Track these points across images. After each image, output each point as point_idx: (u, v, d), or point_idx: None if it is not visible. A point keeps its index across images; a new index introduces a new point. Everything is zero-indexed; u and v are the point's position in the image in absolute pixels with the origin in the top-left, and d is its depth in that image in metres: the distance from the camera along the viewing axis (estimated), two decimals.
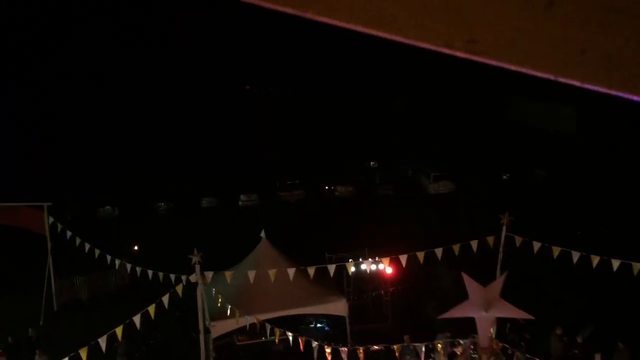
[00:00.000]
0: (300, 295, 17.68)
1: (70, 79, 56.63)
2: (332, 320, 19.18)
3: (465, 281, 9.87)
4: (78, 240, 22.57)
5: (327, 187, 43.62)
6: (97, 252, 22.27)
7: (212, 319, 17.09)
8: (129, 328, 15.06)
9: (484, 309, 9.40)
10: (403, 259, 17.20)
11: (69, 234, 22.96)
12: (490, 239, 17.62)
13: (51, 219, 24.01)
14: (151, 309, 14.94)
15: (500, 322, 16.34)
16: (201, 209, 41.09)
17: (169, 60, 60.22)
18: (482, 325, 9.91)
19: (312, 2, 0.94)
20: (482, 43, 0.88)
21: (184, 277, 17.39)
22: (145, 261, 22.58)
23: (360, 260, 19.04)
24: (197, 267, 15.55)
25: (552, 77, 0.89)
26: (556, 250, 17.11)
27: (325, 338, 19.26)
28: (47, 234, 24.08)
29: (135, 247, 29.04)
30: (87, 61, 57.39)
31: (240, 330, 17.71)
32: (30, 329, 19.57)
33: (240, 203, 41.66)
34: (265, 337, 17.03)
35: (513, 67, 0.90)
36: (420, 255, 17.31)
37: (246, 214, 37.92)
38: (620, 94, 0.88)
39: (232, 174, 44.14)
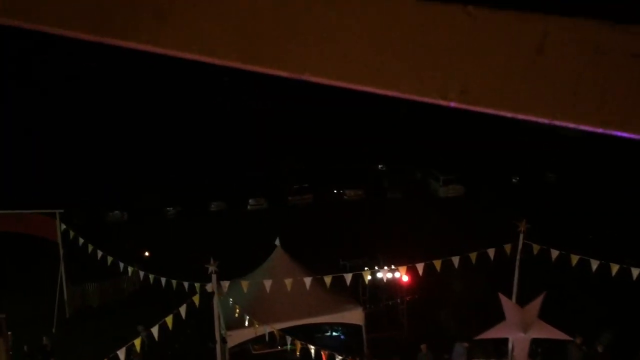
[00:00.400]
0: (316, 304, 17.57)
1: (78, 84, 56.66)
2: (348, 328, 19.05)
3: (502, 302, 9.72)
4: (90, 248, 22.57)
5: (335, 191, 43.53)
6: (109, 259, 22.22)
7: (228, 328, 17.00)
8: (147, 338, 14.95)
9: (522, 329, 9.24)
10: (420, 267, 17.04)
11: (81, 241, 22.94)
12: (508, 247, 17.44)
13: (63, 226, 23.99)
14: (169, 320, 14.84)
15: None
16: (210, 213, 41.06)
17: (178, 65, 60.15)
18: (519, 346, 9.75)
19: (308, 66, 0.96)
20: (475, 93, 0.90)
21: (197, 285, 17.33)
22: (156, 267, 22.55)
23: (376, 268, 18.91)
24: (214, 276, 15.45)
25: (547, 122, 0.90)
26: (574, 258, 16.95)
27: (340, 347, 19.17)
28: (59, 241, 24.05)
29: (146, 253, 28.96)
30: (97, 66, 57.43)
31: (256, 340, 17.60)
32: (44, 338, 19.49)
33: (249, 207, 41.60)
34: (282, 346, 16.95)
35: (509, 115, 0.92)
36: (437, 263, 17.16)
37: (256, 218, 37.82)
38: (614, 132, 0.88)
39: (241, 178, 44.10)
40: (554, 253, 17.22)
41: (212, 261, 15.31)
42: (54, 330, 22.52)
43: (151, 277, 19.90)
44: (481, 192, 39.09)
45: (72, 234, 23.54)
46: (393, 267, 18.65)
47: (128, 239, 31.99)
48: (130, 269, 21.87)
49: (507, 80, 0.89)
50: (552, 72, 0.87)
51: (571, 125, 0.89)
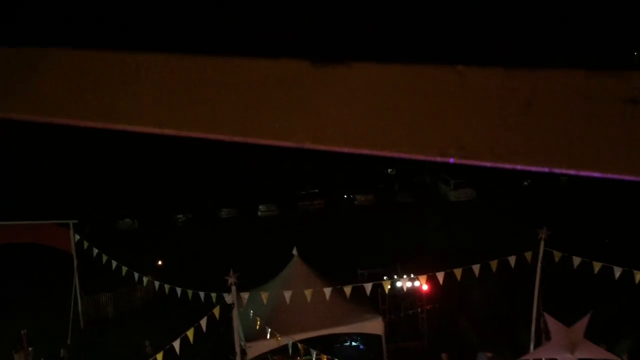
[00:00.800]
0: (336, 314, 17.42)
1: None
2: (367, 338, 18.88)
3: (548, 322, 9.54)
4: (105, 258, 22.49)
5: (345, 196, 43.31)
6: (124, 269, 22.14)
7: (247, 339, 16.86)
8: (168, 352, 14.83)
9: (569, 350, 9.04)
10: (440, 276, 16.88)
11: (95, 251, 22.85)
12: (528, 255, 17.24)
13: (77, 237, 23.89)
14: (190, 333, 14.71)
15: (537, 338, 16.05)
16: (221, 220, 40.92)
17: None
18: None
19: (308, 137, 0.99)
20: (473, 148, 0.93)
21: (213, 295, 17.20)
22: (171, 276, 22.45)
23: (395, 277, 18.74)
24: (234, 288, 15.33)
25: (546, 170, 0.93)
26: (597, 266, 16.74)
27: (360, 357, 19.03)
28: (73, 251, 23.94)
29: (160, 262, 28.84)
30: None
31: (275, 351, 17.45)
32: (62, 350, 19.40)
33: (259, 213, 41.44)
34: (301, 357, 16.79)
35: (507, 166, 0.94)
36: (458, 272, 16.99)
37: (267, 224, 37.67)
38: (612, 176, 0.90)
39: (251, 184, 43.95)
40: (576, 260, 17.03)
41: (231, 273, 15.19)
42: (68, 341, 22.40)
43: (166, 287, 19.80)
44: (493, 196, 38.79)
45: (85, 244, 23.45)
46: (413, 275, 18.46)
47: (141, 247, 31.84)
48: (145, 279, 21.77)
49: (501, 134, 0.92)
50: (545, 123, 0.90)
51: (571, 172, 0.91)
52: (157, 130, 1.08)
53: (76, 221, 24.11)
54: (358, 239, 30.09)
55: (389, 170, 49.52)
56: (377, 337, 18.06)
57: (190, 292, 18.54)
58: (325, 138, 0.99)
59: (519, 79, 0.91)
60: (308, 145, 1.01)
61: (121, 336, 22.73)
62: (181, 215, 41.17)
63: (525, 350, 15.95)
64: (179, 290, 19.13)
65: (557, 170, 0.92)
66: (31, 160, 46.10)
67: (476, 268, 17.22)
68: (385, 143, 0.96)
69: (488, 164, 0.95)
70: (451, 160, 0.95)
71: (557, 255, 17.11)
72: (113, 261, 22.25)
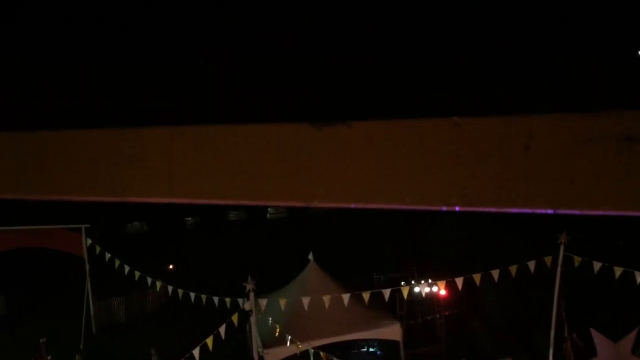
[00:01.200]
0: (354, 320, 17.24)
1: None
2: (384, 344, 18.70)
3: (594, 337, 9.32)
4: (117, 262, 22.36)
5: None
6: (137, 274, 22.03)
7: (265, 346, 16.68)
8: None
9: None
10: (459, 281, 16.67)
11: (107, 255, 22.72)
12: (548, 259, 17.04)
13: (89, 241, 23.76)
14: (209, 341, 14.55)
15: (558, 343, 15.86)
16: (229, 223, 40.84)
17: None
18: None
19: (316, 195, 1.02)
20: (475, 196, 0.94)
21: (227, 300, 17.04)
22: (183, 280, 22.31)
23: (413, 282, 18.57)
24: (252, 295, 15.16)
25: (550, 212, 0.93)
26: (618, 271, 16.53)
27: None
28: (85, 256, 23.81)
29: (171, 266, 28.73)
30: None
31: (293, 357, 17.30)
32: (77, 355, 19.25)
33: (268, 216, 41.32)
34: None
35: (512, 210, 0.94)
36: (477, 277, 16.79)
37: (277, 227, 37.51)
38: (617, 213, 0.91)
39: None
40: (597, 265, 16.80)
41: (249, 279, 15.02)
42: (81, 346, 22.27)
43: (180, 292, 19.64)
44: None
45: (98, 248, 23.31)
46: (431, 281, 18.28)
47: (151, 251, 31.73)
48: (158, 284, 21.63)
49: (502, 179, 0.93)
50: (545, 165, 0.92)
51: (576, 212, 0.91)
52: (166, 200, 1.11)
53: (88, 225, 23.98)
54: (371, 242, 29.91)
55: None
56: (395, 343, 17.86)
57: (204, 297, 18.38)
58: (333, 196, 1.01)
59: (515, 125, 0.92)
60: (316, 204, 1.03)
61: (132, 341, 22.59)
62: (190, 218, 41.08)
63: (544, 357, 15.75)
64: (192, 295, 18.97)
65: (561, 212, 0.92)
66: None
67: (495, 273, 17.01)
68: (390, 197, 0.98)
69: (493, 210, 0.95)
70: (457, 208, 0.97)
71: (577, 260, 16.91)
72: (126, 266, 22.11)
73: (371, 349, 19.08)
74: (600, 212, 0.91)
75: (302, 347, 15.62)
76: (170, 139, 1.08)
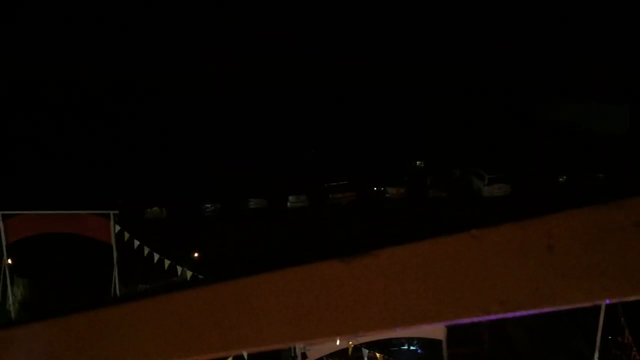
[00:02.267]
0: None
1: None
2: (424, 342, 18.27)
3: None
4: (147, 250, 22.02)
5: (375, 189, 42.47)
6: (167, 263, 21.69)
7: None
8: None
9: None
10: None
11: (136, 243, 22.34)
12: None
13: (117, 228, 23.27)
14: None
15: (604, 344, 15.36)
16: (249, 211, 40.32)
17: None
18: None
19: (351, 327, 1.02)
20: (513, 301, 0.94)
21: None
22: (208, 269, 21.89)
23: None
24: None
25: (588, 305, 0.94)
26: None
27: None
28: (113, 243, 23.34)
29: (196, 254, 28.34)
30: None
31: (334, 354, 16.97)
32: None
33: (289, 205, 40.76)
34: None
35: (550, 309, 0.94)
36: None
37: (299, 217, 37.02)
38: (631, 299, 0.92)
39: (280, 174, 43.23)
40: None
41: None
42: None
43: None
44: (529, 192, 37.85)
45: (126, 235, 22.85)
46: None
47: (174, 238, 31.33)
48: (188, 273, 21.26)
49: (533, 282, 0.93)
50: (569, 261, 0.92)
51: (598, 301, 0.93)
52: None
53: (117, 212, 23.48)
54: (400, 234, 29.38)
55: (418, 162, 48.55)
56: (437, 341, 17.42)
57: None
58: (372, 323, 1.00)
59: (534, 228, 0.93)
60: (361, 333, 1.05)
61: None
62: (210, 205, 40.55)
63: None
64: None
65: (587, 304, 0.93)
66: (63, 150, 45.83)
67: None
68: (431, 316, 0.98)
69: (534, 311, 0.96)
70: (494, 317, 0.97)
71: None
72: (155, 254, 21.76)
73: (412, 347, 18.64)
74: (619, 299, 0.93)
75: (347, 343, 15.33)
76: (168, 307, 1.09)
